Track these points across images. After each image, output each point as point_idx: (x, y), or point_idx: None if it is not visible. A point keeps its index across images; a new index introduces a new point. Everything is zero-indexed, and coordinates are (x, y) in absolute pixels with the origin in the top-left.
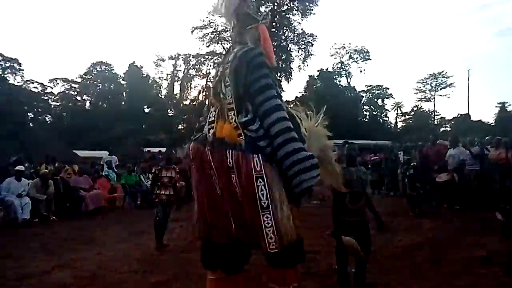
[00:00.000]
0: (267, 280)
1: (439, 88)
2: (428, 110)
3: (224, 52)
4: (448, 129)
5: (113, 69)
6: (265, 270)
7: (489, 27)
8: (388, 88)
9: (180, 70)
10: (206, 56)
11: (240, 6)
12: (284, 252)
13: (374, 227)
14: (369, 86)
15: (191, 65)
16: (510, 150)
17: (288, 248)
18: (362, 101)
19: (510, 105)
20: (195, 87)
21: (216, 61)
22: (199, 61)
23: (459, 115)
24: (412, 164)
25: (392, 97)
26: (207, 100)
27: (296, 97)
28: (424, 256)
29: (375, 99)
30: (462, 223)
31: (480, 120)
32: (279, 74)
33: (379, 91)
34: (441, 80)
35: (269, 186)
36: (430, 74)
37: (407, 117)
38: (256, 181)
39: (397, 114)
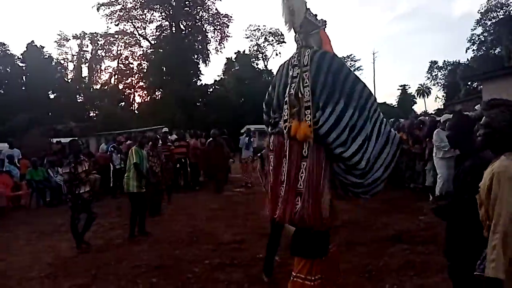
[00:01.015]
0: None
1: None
2: None
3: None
4: None
5: (8, 49)
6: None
7: (390, 11)
8: None
9: (87, 51)
10: (116, 36)
11: (305, 14)
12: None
13: None
14: None
15: (99, 45)
16: (410, 134)
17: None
18: None
19: (410, 87)
20: (105, 69)
21: (127, 41)
22: (108, 41)
23: None
24: None
25: None
26: (276, 99)
27: (215, 80)
28: (340, 238)
29: None
30: (374, 204)
31: (385, 102)
32: (196, 56)
33: None
34: (350, 64)
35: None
36: (342, 56)
37: None
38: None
39: None
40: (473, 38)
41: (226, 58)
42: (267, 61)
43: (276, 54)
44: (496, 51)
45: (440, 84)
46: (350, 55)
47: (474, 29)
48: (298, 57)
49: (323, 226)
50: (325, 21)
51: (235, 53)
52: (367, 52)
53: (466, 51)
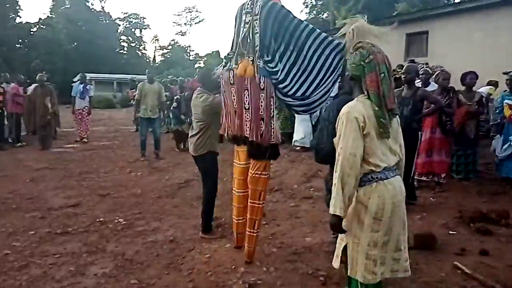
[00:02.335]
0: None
1: (193, 23)
2: (184, 45)
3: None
4: (202, 65)
5: None
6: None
7: None
8: (145, 18)
9: None
10: None
11: None
12: (270, 147)
13: None
14: (126, 13)
15: None
16: None
17: (271, 146)
18: (118, 30)
19: None
20: None
21: None
22: None
23: (212, 52)
24: (176, 98)
25: (150, 28)
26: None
27: (40, 19)
28: (192, 193)
29: (133, 29)
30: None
31: None
32: None
33: (136, 20)
34: (195, 15)
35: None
36: (185, 7)
37: (165, 51)
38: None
39: (155, 47)
40: (306, 1)
41: None
42: (104, 2)
43: None
44: (324, 15)
45: None
46: (195, 6)
47: None
48: (252, 5)
49: (276, 142)
50: None
51: None
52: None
53: (300, 13)
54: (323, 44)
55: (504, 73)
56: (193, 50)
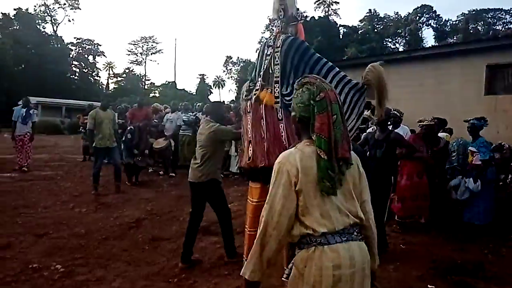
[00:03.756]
0: None
1: (150, 53)
2: (140, 74)
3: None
4: (157, 95)
5: None
6: None
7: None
8: (100, 45)
9: None
10: None
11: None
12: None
13: None
14: (79, 39)
15: None
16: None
17: None
18: (71, 55)
19: (208, 77)
20: None
21: None
22: None
23: (167, 82)
24: (129, 128)
25: (104, 55)
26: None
27: None
28: (144, 234)
29: (86, 55)
30: (179, 190)
31: (184, 89)
32: None
33: (90, 46)
34: (152, 45)
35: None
36: (142, 37)
37: (119, 78)
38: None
39: (109, 74)
40: (262, 40)
41: (2, 13)
42: (57, 26)
43: (69, 20)
44: None
45: (233, 78)
46: (152, 36)
47: (263, 32)
48: (274, 40)
49: None
50: (304, 16)
51: (15, 9)
52: (170, 36)
53: (256, 51)
54: (343, 82)
55: (465, 121)
56: (148, 79)
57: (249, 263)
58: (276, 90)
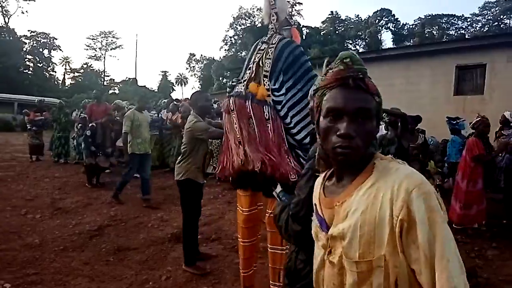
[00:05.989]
0: None
1: (109, 48)
2: (98, 69)
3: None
4: (117, 91)
5: None
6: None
7: None
8: (56, 38)
9: None
10: None
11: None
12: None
13: None
14: (33, 32)
15: None
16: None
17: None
18: (24, 49)
19: (170, 74)
20: None
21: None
22: None
23: (128, 79)
24: (90, 125)
25: (61, 50)
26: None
27: None
28: (108, 244)
29: (40, 49)
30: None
31: (145, 86)
32: None
33: (45, 40)
34: (111, 40)
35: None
36: (101, 32)
37: (76, 74)
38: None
39: (65, 69)
40: (226, 39)
41: None
42: (8, 18)
43: (22, 12)
44: (243, 54)
45: (196, 76)
46: (112, 31)
47: (228, 31)
48: (270, 38)
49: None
50: (298, 22)
51: None
52: (131, 32)
53: (220, 49)
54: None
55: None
56: (108, 75)
57: None
58: (266, 83)
